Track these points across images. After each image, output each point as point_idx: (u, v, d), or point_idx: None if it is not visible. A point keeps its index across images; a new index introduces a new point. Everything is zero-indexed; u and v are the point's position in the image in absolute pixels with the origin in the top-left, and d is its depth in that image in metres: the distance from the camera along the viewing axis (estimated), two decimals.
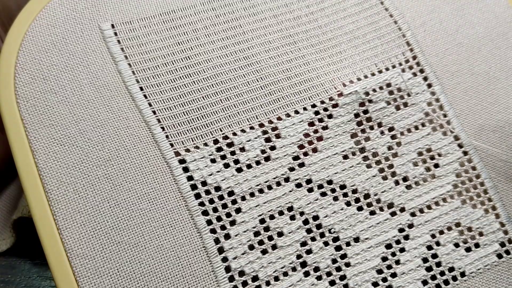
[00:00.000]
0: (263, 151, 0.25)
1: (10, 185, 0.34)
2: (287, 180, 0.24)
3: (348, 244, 0.24)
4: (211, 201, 0.23)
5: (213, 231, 0.23)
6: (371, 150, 0.26)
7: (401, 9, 0.29)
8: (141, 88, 0.25)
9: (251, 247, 0.23)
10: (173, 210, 0.23)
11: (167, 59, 0.25)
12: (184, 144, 0.24)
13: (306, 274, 0.23)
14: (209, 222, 0.23)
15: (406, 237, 0.25)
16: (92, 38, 0.25)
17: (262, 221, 0.24)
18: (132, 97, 0.24)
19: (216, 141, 0.24)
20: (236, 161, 0.24)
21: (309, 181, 0.24)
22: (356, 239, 0.24)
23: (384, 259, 0.24)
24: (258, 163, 0.24)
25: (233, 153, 0.24)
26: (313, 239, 0.24)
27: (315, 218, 0.24)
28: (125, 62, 0.25)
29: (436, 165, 0.26)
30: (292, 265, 0.23)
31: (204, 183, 0.23)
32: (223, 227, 0.23)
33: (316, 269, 0.23)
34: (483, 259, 0.25)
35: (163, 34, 0.26)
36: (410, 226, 0.25)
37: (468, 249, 0.25)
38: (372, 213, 0.25)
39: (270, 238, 0.23)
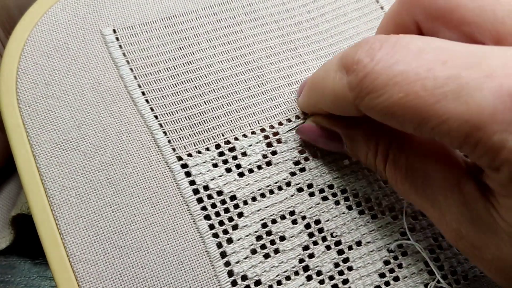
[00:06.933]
0: (264, 156, 0.25)
1: (8, 182, 0.34)
2: (288, 184, 0.24)
3: (350, 248, 0.24)
4: (213, 206, 0.23)
5: (215, 235, 0.23)
6: None
7: None
8: (143, 93, 0.25)
9: (254, 252, 0.23)
10: (175, 215, 0.23)
11: (169, 64, 0.25)
12: (186, 148, 0.24)
13: (309, 278, 0.23)
14: (211, 227, 0.23)
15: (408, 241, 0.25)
16: (94, 43, 0.25)
17: (264, 225, 0.24)
18: (134, 102, 0.24)
19: (218, 146, 0.24)
20: (238, 166, 0.24)
21: (310, 186, 0.25)
22: (358, 243, 0.24)
23: (387, 262, 0.24)
24: (259, 167, 0.24)
25: (235, 157, 0.24)
26: (315, 243, 0.24)
27: (317, 222, 0.24)
28: (127, 67, 0.25)
29: None
30: (295, 269, 0.23)
31: (206, 188, 0.23)
32: (225, 232, 0.23)
33: (319, 273, 0.23)
34: None
35: (165, 39, 0.26)
36: (412, 229, 0.25)
37: None
38: (374, 216, 0.25)
39: (272, 242, 0.23)
